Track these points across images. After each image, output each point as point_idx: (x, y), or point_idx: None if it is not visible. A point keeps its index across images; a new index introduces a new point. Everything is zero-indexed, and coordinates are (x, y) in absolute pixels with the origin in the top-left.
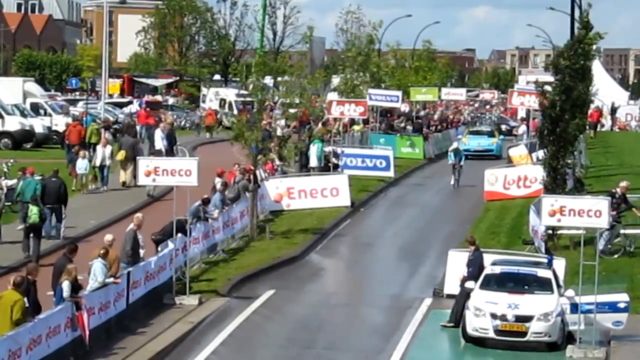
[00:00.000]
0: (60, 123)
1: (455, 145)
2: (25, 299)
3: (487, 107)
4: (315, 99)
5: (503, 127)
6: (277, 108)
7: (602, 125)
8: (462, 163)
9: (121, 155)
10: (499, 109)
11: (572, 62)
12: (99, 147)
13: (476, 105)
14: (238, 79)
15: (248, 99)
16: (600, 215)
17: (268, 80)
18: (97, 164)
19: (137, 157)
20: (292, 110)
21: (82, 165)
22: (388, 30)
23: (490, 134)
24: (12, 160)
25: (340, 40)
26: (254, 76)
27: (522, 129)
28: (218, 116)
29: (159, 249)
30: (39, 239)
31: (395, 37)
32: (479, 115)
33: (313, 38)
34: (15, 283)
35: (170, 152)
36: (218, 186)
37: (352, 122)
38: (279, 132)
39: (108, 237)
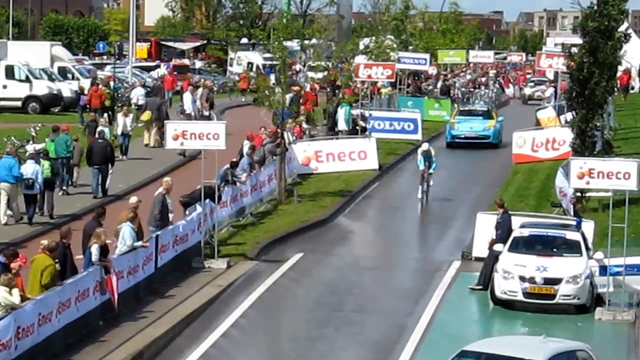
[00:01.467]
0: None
1: (425, 146)
2: (58, 265)
3: (483, 78)
4: (345, 64)
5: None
6: (302, 72)
7: (632, 88)
8: (432, 170)
9: (147, 115)
10: (498, 80)
11: (599, 23)
12: (119, 116)
13: (467, 76)
14: (264, 42)
15: (274, 62)
16: (629, 178)
17: (294, 44)
18: (119, 132)
19: (165, 121)
20: (319, 75)
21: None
22: None
23: (487, 115)
24: (39, 125)
25: (368, 2)
26: (275, 38)
27: (550, 91)
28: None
29: (187, 212)
30: (52, 193)
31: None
32: (470, 90)
33: (340, 1)
34: (49, 248)
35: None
36: (246, 149)
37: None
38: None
39: (132, 199)
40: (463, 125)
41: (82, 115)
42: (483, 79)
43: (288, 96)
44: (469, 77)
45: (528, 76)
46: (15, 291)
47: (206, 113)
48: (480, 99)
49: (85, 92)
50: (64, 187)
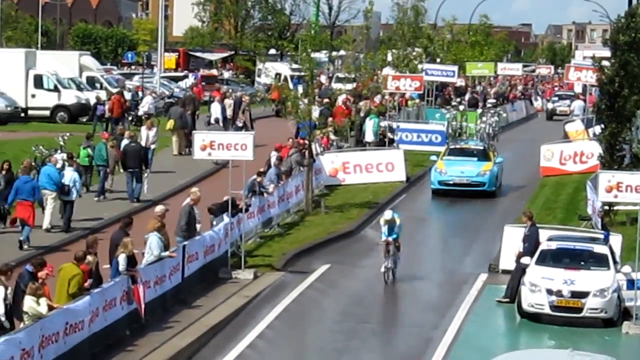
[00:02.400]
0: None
1: (388, 215)
2: (90, 281)
3: (476, 90)
4: (372, 75)
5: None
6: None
7: None
8: (397, 242)
9: (170, 124)
10: (527, 93)
11: (631, 37)
12: (143, 129)
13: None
14: (292, 54)
15: (302, 73)
16: None
17: (322, 55)
18: (143, 144)
19: (191, 130)
20: (348, 86)
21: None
22: (444, 5)
23: (482, 156)
24: (67, 134)
25: (395, 14)
26: (303, 50)
27: (577, 104)
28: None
29: (214, 222)
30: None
31: (451, 11)
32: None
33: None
34: (76, 257)
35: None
36: (273, 160)
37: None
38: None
39: (158, 208)
40: (452, 169)
41: (97, 125)
42: (511, 92)
43: (318, 109)
44: (493, 90)
45: (555, 89)
46: (43, 300)
47: (240, 123)
48: (477, 133)
49: (102, 101)
50: (135, 197)
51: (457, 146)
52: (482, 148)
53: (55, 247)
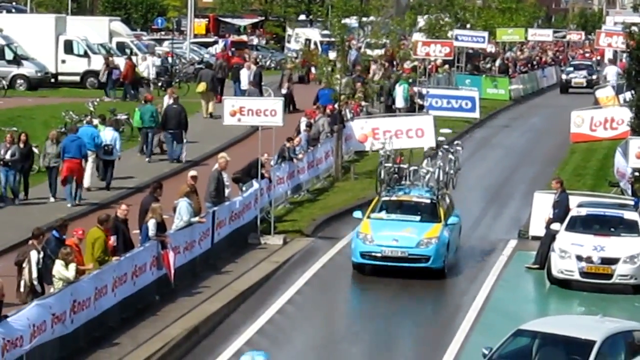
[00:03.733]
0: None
1: None
2: (114, 238)
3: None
4: (402, 41)
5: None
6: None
7: None
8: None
9: (202, 86)
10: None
11: None
12: (165, 98)
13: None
14: (322, 19)
15: (332, 39)
16: None
17: (353, 21)
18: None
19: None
20: (377, 51)
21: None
22: None
23: (428, 214)
24: (97, 100)
25: None
26: (333, 15)
27: (611, 69)
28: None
29: (244, 188)
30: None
31: None
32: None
33: None
34: (98, 220)
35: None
36: (302, 126)
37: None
38: (372, 74)
39: (191, 173)
40: (382, 235)
41: (111, 89)
42: (541, 59)
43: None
44: (523, 56)
45: (586, 54)
46: (72, 266)
47: (284, 91)
48: (423, 178)
49: (117, 66)
50: (175, 158)
51: (393, 197)
52: (428, 201)
53: (103, 204)
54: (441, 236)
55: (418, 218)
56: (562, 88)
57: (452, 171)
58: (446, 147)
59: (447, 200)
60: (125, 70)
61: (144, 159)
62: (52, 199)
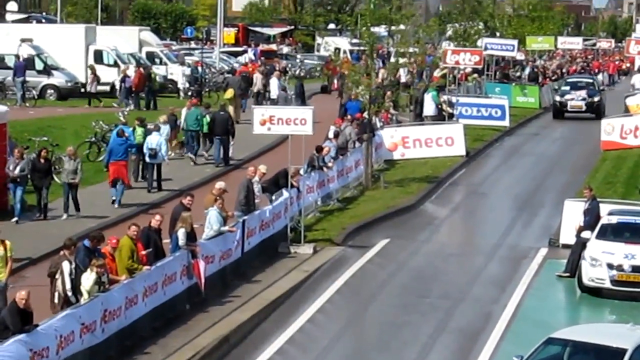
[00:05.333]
0: (176, 72)
1: None
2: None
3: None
4: (432, 49)
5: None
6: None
7: None
8: None
9: (230, 93)
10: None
11: None
12: (184, 110)
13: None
14: (351, 28)
15: (362, 47)
16: None
17: (382, 29)
18: (184, 127)
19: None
20: (403, 60)
21: (155, 140)
22: None
23: None
24: (127, 109)
25: None
26: (363, 24)
27: (637, 77)
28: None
29: (273, 197)
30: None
31: None
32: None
33: None
34: (129, 227)
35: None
36: (330, 134)
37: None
38: (402, 79)
39: (219, 184)
40: None
41: (125, 98)
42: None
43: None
44: (554, 65)
45: (616, 62)
46: (92, 274)
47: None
48: None
49: (130, 75)
50: (193, 157)
51: None
52: None
53: (150, 205)
54: None
55: None
56: (556, 112)
57: None
58: None
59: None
60: (136, 79)
61: (188, 161)
62: (65, 216)
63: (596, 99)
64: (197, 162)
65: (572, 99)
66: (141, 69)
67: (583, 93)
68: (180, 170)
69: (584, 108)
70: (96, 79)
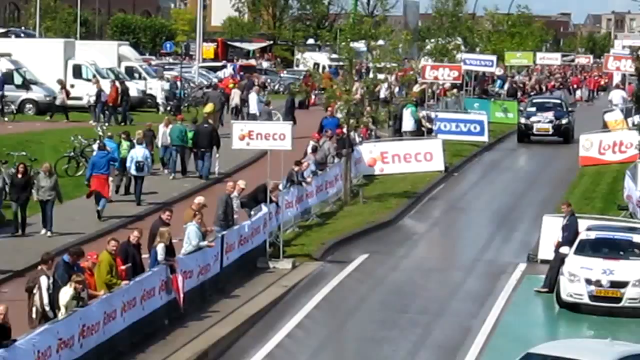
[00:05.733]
0: (155, 87)
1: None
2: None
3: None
4: (410, 65)
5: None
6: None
7: None
8: None
9: (210, 107)
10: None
11: None
12: (161, 126)
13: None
14: (330, 43)
15: (341, 62)
16: None
17: (362, 45)
18: (159, 144)
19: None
20: (380, 76)
21: (141, 153)
22: None
23: None
24: (106, 124)
25: (434, 4)
26: (342, 39)
27: (616, 93)
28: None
29: (252, 212)
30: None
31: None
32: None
33: (407, 2)
34: (108, 242)
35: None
36: (309, 150)
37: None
38: (382, 95)
39: (198, 199)
40: None
41: (101, 112)
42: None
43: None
44: (532, 81)
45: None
46: (69, 290)
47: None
48: None
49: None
50: (204, 174)
51: None
52: None
53: (131, 218)
54: None
55: None
56: (521, 135)
57: None
58: None
59: None
60: (113, 93)
61: (168, 176)
62: (43, 232)
63: (564, 121)
64: (176, 177)
65: (539, 121)
66: (117, 84)
67: (550, 115)
68: (162, 184)
69: (550, 131)
70: (65, 92)
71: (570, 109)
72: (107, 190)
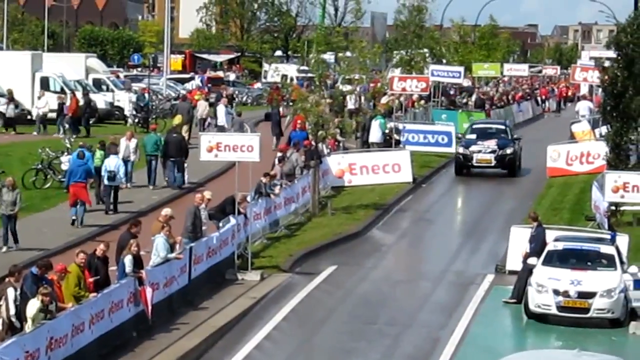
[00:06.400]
0: (122, 99)
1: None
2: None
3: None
4: (378, 75)
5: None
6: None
7: None
8: None
9: (178, 119)
10: (534, 94)
11: (635, 37)
12: (123, 140)
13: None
14: (299, 55)
15: (309, 74)
16: None
17: (329, 57)
18: (120, 157)
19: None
20: (349, 87)
21: (114, 163)
22: (452, 5)
23: None
24: (74, 136)
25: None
26: (314, 51)
27: (583, 104)
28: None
29: (221, 224)
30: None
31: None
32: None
33: (374, 14)
34: (76, 254)
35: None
36: (276, 161)
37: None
38: (350, 106)
39: (165, 211)
40: None
41: (62, 124)
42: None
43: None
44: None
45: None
46: (36, 302)
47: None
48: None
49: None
50: (175, 184)
51: None
52: None
53: (111, 226)
54: None
55: None
56: (458, 167)
57: None
58: None
59: None
60: (73, 105)
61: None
62: (4, 249)
63: (509, 150)
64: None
65: (479, 151)
66: (76, 96)
67: (492, 143)
68: (137, 193)
69: (493, 162)
70: (13, 103)
71: (515, 136)
72: (87, 197)
